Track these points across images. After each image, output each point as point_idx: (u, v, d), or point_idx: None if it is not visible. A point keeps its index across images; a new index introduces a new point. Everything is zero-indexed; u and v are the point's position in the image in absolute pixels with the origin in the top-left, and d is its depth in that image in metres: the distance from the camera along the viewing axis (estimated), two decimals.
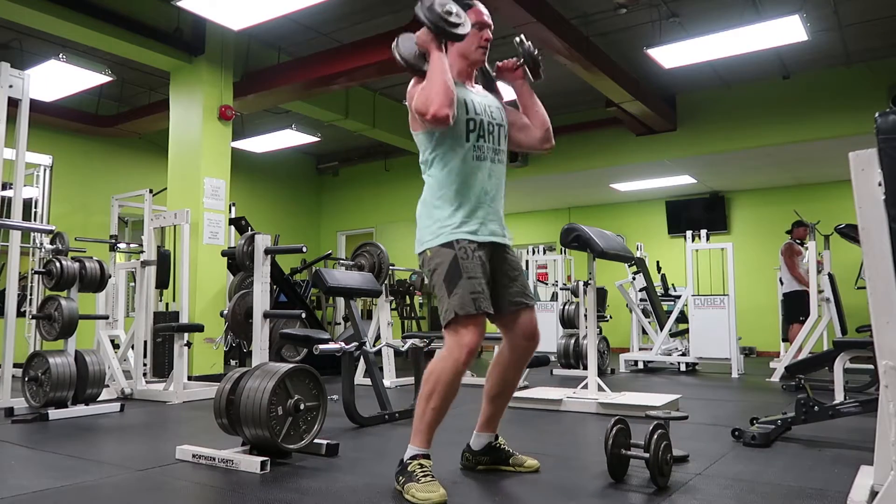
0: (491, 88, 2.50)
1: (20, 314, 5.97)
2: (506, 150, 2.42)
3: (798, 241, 7.25)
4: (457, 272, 2.17)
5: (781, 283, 7.35)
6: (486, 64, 2.44)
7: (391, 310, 7.02)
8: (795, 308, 6.96)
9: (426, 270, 2.29)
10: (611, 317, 7.46)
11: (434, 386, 2.16)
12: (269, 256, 2.98)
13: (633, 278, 7.77)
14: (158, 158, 7.34)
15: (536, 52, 2.42)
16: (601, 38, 6.59)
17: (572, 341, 6.23)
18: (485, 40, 2.34)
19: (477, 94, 2.36)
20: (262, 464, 2.46)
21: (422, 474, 2.09)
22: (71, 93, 6.97)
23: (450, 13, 2.18)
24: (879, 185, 1.59)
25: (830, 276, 5.79)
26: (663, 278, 8.73)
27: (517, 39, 2.45)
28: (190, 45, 6.30)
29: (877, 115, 1.60)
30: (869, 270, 1.62)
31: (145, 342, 5.23)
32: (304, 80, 6.61)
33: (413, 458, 2.15)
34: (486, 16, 2.34)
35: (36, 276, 5.59)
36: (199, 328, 4.97)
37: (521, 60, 2.43)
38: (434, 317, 9.14)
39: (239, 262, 3.03)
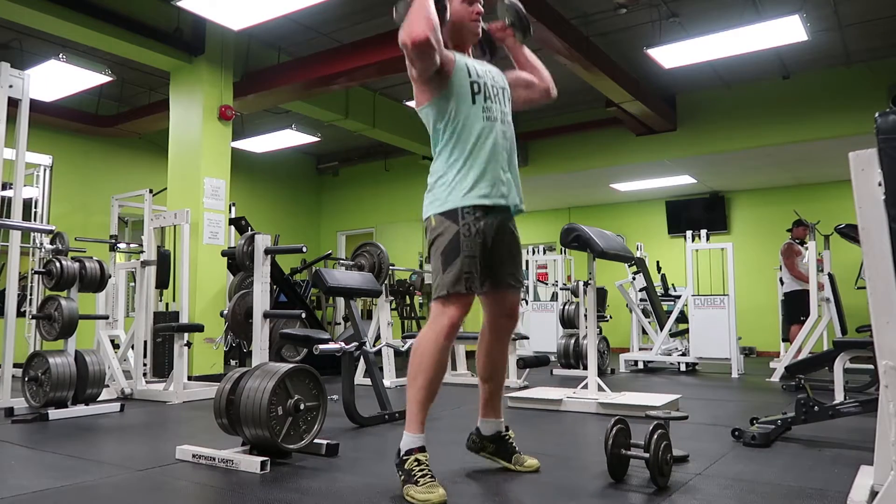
0: (493, 54, 2.52)
1: (20, 314, 5.98)
2: (510, 112, 2.42)
3: (798, 240, 7.25)
4: (456, 249, 2.19)
5: (782, 283, 7.35)
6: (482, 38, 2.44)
7: (391, 310, 7.02)
8: (796, 308, 6.96)
9: (427, 237, 2.30)
10: (611, 317, 7.46)
11: (419, 363, 2.18)
12: (269, 256, 2.98)
13: (633, 278, 7.77)
14: (158, 158, 7.34)
15: (524, 10, 2.44)
16: (601, 38, 6.59)
17: (572, 341, 6.23)
18: (476, 14, 2.35)
19: (475, 61, 2.38)
20: (262, 464, 2.46)
21: (420, 474, 2.08)
22: (71, 93, 6.97)
23: None
24: (879, 185, 1.59)
25: (830, 276, 5.79)
26: (663, 278, 8.74)
27: (503, 1, 2.45)
28: (190, 45, 6.30)
29: (877, 115, 1.60)
30: (869, 270, 1.62)
31: (145, 342, 5.22)
32: (304, 80, 6.61)
33: (409, 452, 2.13)
34: None
35: (36, 276, 5.59)
36: (199, 328, 4.97)
37: (510, 21, 2.44)
38: None
39: (239, 262, 3.03)
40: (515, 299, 2.43)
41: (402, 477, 2.11)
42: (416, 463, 2.11)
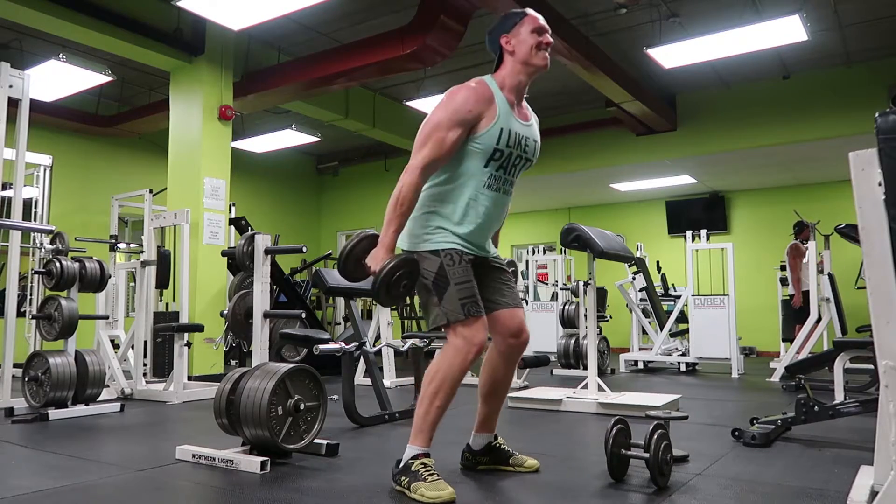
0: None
1: (20, 314, 5.97)
2: (515, 182, 2.35)
3: (804, 241, 7.25)
4: (444, 280, 2.16)
5: (783, 284, 7.33)
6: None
7: (391, 310, 7.02)
8: (803, 308, 6.96)
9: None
10: (611, 317, 7.45)
11: (441, 384, 2.14)
12: (269, 256, 2.98)
13: (633, 278, 7.77)
14: (158, 158, 7.34)
15: None
16: (601, 38, 6.59)
17: (572, 341, 6.22)
18: (546, 44, 2.24)
19: (519, 122, 2.26)
20: (262, 464, 2.46)
21: (427, 473, 2.09)
22: (71, 93, 6.97)
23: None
24: (879, 185, 1.59)
25: (830, 276, 5.79)
26: (663, 278, 8.73)
27: None
28: (190, 45, 6.30)
29: (877, 115, 1.60)
30: (869, 270, 1.62)
31: (145, 342, 5.23)
32: (304, 80, 6.61)
33: (415, 457, 2.14)
34: (542, 20, 2.27)
35: (36, 276, 5.59)
36: (199, 328, 4.97)
37: None
38: None
39: (239, 262, 3.03)
40: (518, 317, 2.35)
41: (407, 479, 2.11)
42: (422, 465, 2.12)
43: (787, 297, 7.25)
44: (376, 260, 2.16)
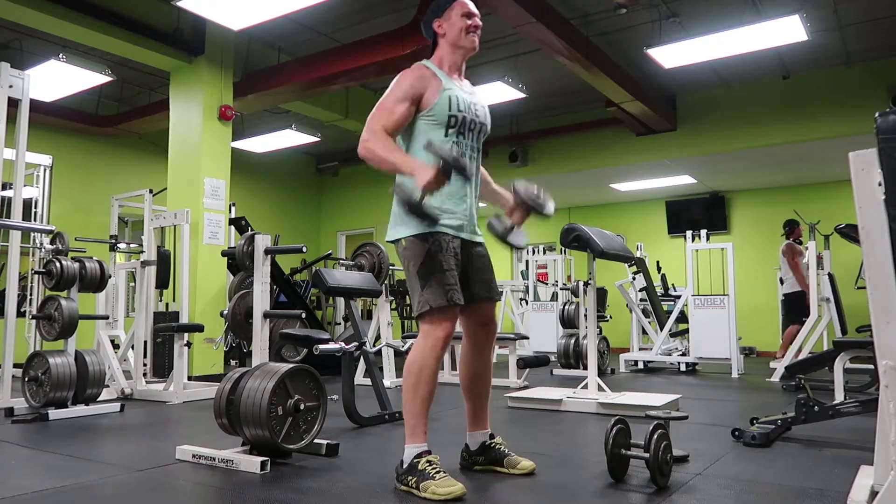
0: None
1: (20, 314, 5.97)
2: (481, 148, 2.44)
3: (796, 239, 7.25)
4: (431, 266, 2.22)
5: (782, 283, 7.33)
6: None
7: (391, 310, 7.02)
8: (797, 309, 6.97)
9: (401, 260, 2.32)
10: (611, 317, 7.45)
11: (418, 375, 2.21)
12: (269, 256, 2.98)
13: (633, 278, 7.77)
14: (158, 158, 7.34)
15: (537, 196, 2.33)
16: (601, 38, 6.59)
17: (572, 341, 6.23)
18: (473, 27, 2.39)
19: (464, 91, 2.39)
20: (262, 464, 2.46)
21: (434, 471, 2.11)
22: (71, 93, 6.97)
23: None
24: (879, 185, 1.59)
25: (830, 276, 5.79)
26: (663, 278, 8.73)
27: (515, 187, 2.36)
28: (190, 45, 6.30)
29: (877, 115, 1.60)
30: (869, 270, 1.62)
31: (145, 342, 5.23)
32: (304, 80, 6.61)
33: (418, 456, 2.16)
34: (471, 5, 2.41)
35: (36, 276, 5.59)
36: (199, 328, 4.97)
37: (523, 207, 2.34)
38: None
39: (239, 262, 3.03)
40: (490, 309, 2.45)
41: (415, 479, 2.12)
42: (428, 463, 2.14)
43: (787, 295, 7.23)
44: (421, 171, 2.04)
